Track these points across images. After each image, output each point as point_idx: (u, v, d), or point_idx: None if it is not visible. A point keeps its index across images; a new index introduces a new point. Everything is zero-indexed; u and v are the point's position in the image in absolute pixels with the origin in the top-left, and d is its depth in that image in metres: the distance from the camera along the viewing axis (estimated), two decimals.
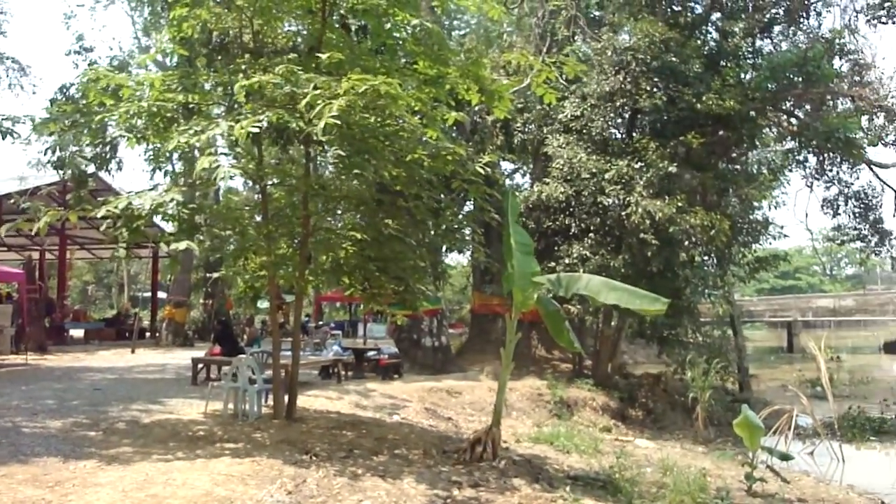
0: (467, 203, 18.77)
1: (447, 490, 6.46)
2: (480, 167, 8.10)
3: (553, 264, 15.60)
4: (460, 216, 13.65)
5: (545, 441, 10.61)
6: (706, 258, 17.03)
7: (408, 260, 9.46)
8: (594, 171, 15.49)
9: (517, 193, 17.13)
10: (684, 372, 16.36)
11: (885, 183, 20.63)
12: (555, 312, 7.93)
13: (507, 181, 22.99)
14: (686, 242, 14.97)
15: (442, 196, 9.59)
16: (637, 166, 15.36)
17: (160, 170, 9.40)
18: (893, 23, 19.70)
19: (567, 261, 15.40)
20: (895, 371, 30.75)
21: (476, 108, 14.51)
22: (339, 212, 10.26)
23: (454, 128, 13.89)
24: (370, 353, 16.12)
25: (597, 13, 20.02)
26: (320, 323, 22.40)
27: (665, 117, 15.97)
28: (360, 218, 9.84)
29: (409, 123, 7.69)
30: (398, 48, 9.18)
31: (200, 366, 12.95)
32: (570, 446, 10.37)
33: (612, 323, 17.20)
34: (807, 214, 22.96)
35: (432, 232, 10.00)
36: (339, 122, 6.24)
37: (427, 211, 9.08)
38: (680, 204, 14.66)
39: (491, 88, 9.00)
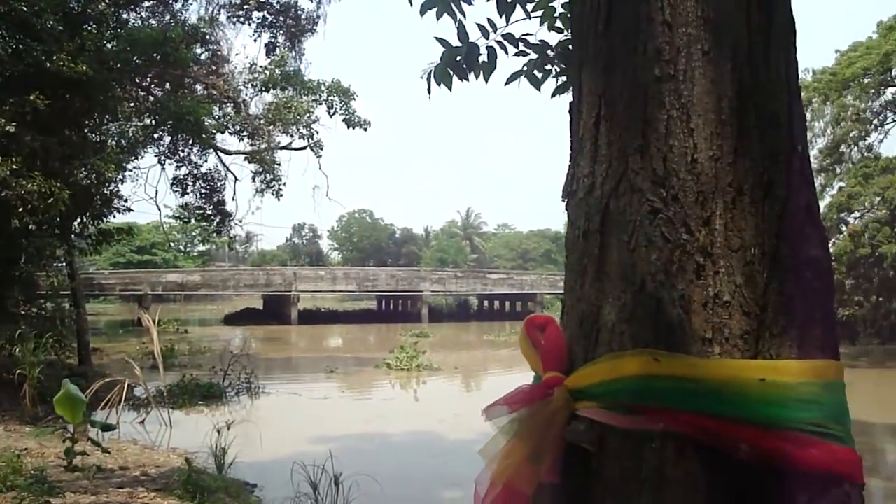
0: None
1: None
2: None
3: None
4: None
5: None
6: (45, 227, 16.64)
7: None
8: None
9: None
10: (13, 347, 15.81)
11: (227, 168, 23.23)
12: None
13: None
14: (21, 209, 14.48)
15: None
16: None
17: None
18: (249, 24, 22.37)
19: None
20: (234, 341, 34.34)
21: None
22: None
23: None
24: None
25: None
26: None
27: (9, 72, 15.13)
28: None
29: None
30: None
31: None
32: None
33: None
34: (157, 191, 24.31)
35: None
36: None
37: None
38: (16, 167, 14.13)
39: None
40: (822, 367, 1.56)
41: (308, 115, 21.97)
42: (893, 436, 14.71)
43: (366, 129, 22.82)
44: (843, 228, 28.12)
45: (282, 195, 22.48)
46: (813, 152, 31.06)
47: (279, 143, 22.55)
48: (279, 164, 22.58)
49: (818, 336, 1.59)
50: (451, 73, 2.91)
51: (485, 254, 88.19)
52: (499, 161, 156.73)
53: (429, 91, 2.96)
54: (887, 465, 13.03)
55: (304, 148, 22.80)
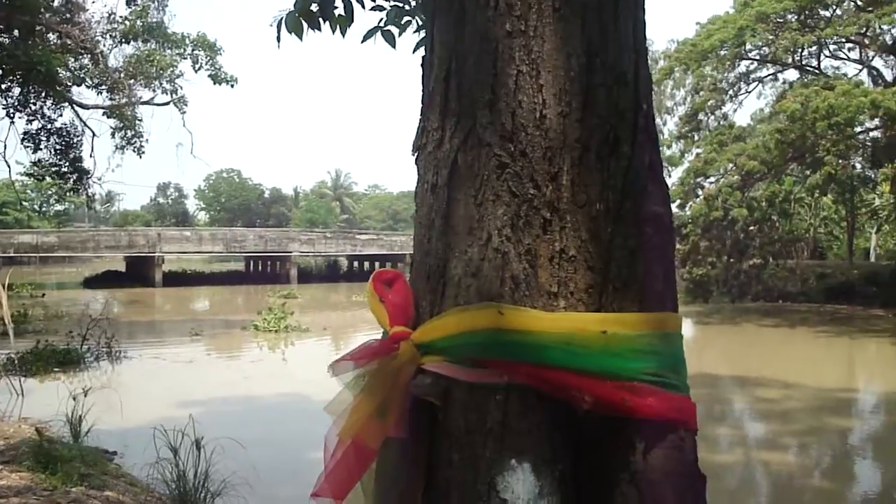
0: None
1: None
2: None
3: None
4: None
5: None
6: None
7: None
8: None
9: None
10: None
11: (84, 123, 21.92)
12: None
13: None
14: None
15: None
16: None
17: None
18: None
19: None
20: (94, 305, 32.80)
21: None
22: None
23: None
24: None
25: None
26: None
27: None
28: None
29: None
30: None
31: None
32: None
33: None
34: (5, 146, 22.69)
35: None
36: None
37: None
38: None
39: None
40: (661, 319, 1.61)
41: (171, 69, 21.09)
42: (739, 386, 15.72)
43: (232, 86, 22.12)
44: (699, 192, 29.48)
45: (144, 152, 21.56)
46: (674, 119, 32.47)
47: (140, 97, 21.58)
48: (140, 120, 21.63)
49: (658, 289, 1.64)
50: (304, 22, 2.80)
51: (355, 215, 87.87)
52: (370, 121, 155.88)
53: (278, 39, 2.84)
54: (733, 413, 13.94)
55: (167, 104, 21.89)
